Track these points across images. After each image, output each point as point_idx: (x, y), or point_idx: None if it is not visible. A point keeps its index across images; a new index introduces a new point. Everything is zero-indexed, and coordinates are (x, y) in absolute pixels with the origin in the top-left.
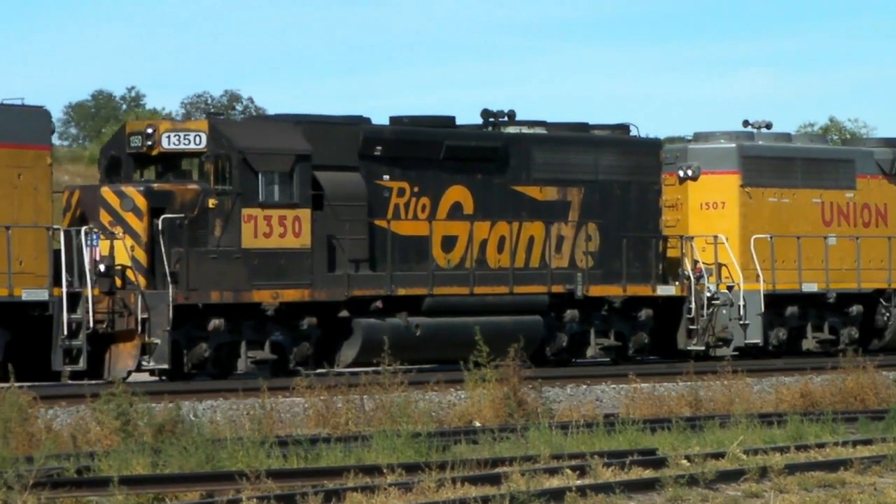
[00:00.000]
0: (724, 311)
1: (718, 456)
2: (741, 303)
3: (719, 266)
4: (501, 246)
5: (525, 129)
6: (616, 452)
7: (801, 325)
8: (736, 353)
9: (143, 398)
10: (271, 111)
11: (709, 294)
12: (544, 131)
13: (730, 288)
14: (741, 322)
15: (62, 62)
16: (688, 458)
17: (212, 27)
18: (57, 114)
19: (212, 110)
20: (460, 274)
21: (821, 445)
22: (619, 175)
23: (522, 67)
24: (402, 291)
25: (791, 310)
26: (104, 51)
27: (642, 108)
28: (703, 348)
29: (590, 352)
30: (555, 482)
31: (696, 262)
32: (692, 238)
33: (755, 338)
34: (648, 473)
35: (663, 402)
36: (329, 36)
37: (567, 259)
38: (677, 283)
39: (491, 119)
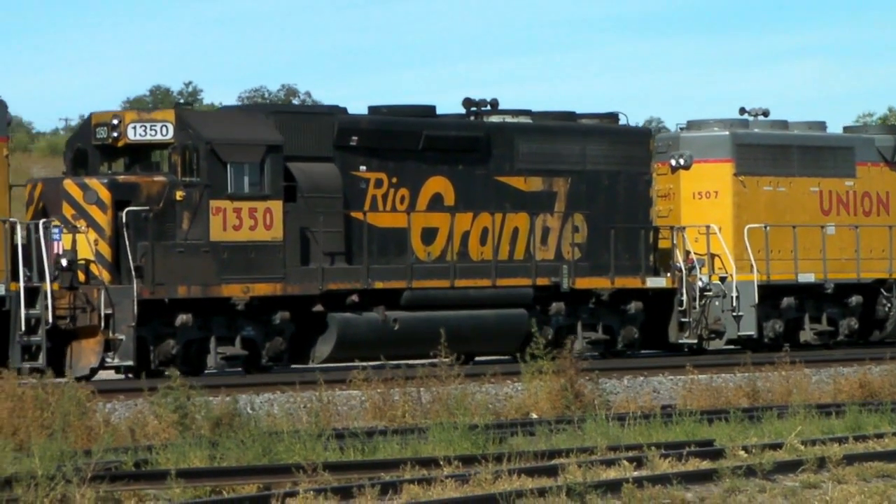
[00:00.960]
0: (716, 303)
1: (776, 447)
2: (734, 294)
3: (712, 257)
4: (484, 238)
5: (509, 119)
6: (673, 444)
7: (799, 317)
8: (729, 345)
9: (200, 392)
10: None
11: (701, 285)
12: (529, 120)
13: (723, 279)
14: (734, 314)
15: (121, 57)
16: (745, 449)
17: (270, 22)
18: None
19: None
20: (441, 267)
21: (879, 436)
22: (607, 165)
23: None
24: (379, 285)
25: (787, 301)
26: (162, 46)
27: (695, 102)
28: (695, 341)
29: (577, 346)
30: (612, 473)
31: (687, 252)
32: (684, 228)
33: (749, 330)
34: (706, 465)
35: (720, 393)
36: (393, 31)
37: (553, 251)
38: (668, 274)
39: (473, 108)
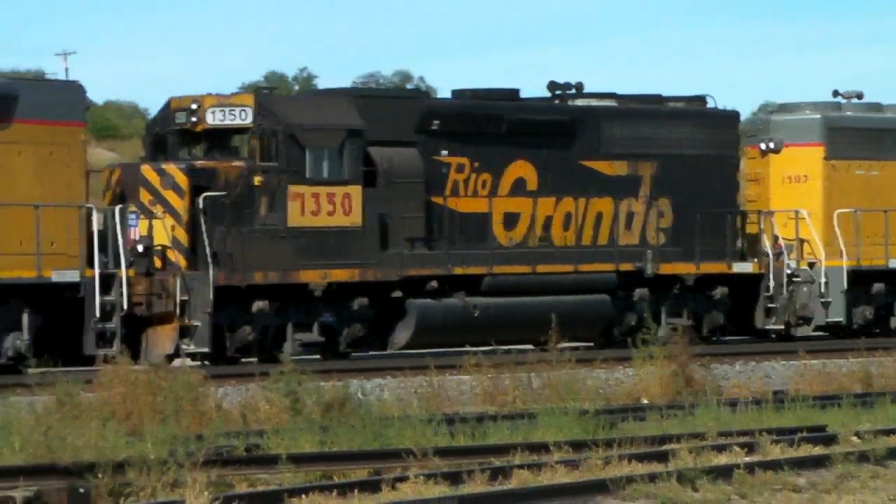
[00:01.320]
0: (804, 289)
1: (890, 432)
2: (823, 280)
3: (801, 242)
4: (567, 223)
5: (594, 102)
6: (785, 429)
7: (890, 303)
8: (818, 332)
9: (311, 377)
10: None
11: (789, 271)
12: (614, 104)
13: (811, 265)
14: (823, 300)
15: (237, 43)
16: (858, 434)
17: (385, 7)
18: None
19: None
20: (522, 252)
21: None
22: (694, 148)
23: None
24: (459, 271)
25: (878, 287)
26: (279, 31)
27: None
28: (782, 327)
29: (661, 332)
30: (723, 459)
31: (776, 238)
32: (772, 213)
33: (838, 316)
34: (818, 450)
35: (833, 378)
36: (503, 13)
37: (637, 236)
38: (755, 259)
39: (558, 91)
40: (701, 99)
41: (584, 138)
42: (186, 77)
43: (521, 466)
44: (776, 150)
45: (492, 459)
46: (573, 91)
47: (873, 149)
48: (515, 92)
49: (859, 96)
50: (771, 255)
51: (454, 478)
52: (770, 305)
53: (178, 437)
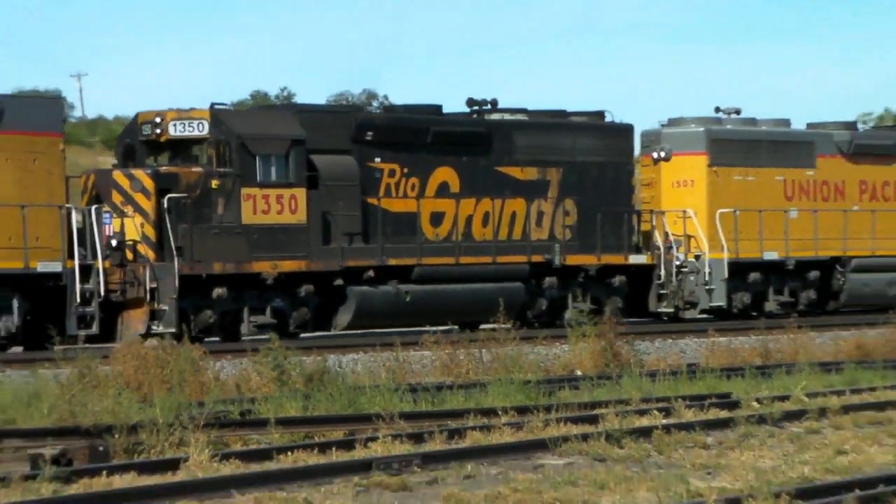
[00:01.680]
0: (691, 278)
1: (784, 399)
2: (707, 270)
3: (688, 237)
4: (486, 221)
5: (507, 116)
6: (696, 396)
7: (764, 290)
8: (702, 315)
9: (295, 352)
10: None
11: (678, 262)
12: (525, 118)
13: (697, 257)
14: (707, 287)
15: (227, 65)
16: (758, 400)
17: (355, 34)
18: None
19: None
20: (447, 246)
21: (872, 389)
22: (594, 156)
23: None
24: (392, 262)
25: (754, 276)
26: (263, 56)
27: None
28: (672, 310)
29: (568, 315)
30: (644, 422)
31: (666, 234)
32: (664, 213)
33: (720, 301)
34: (724, 414)
35: (737, 353)
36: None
37: (547, 232)
38: (649, 252)
39: (475, 107)
40: (600, 114)
41: (499, 147)
42: (186, 94)
43: (473, 428)
44: (666, 159)
45: (449, 422)
46: (489, 107)
47: (749, 157)
48: (439, 107)
49: (738, 112)
50: (662, 249)
51: (417, 438)
52: (661, 292)
53: (183, 403)
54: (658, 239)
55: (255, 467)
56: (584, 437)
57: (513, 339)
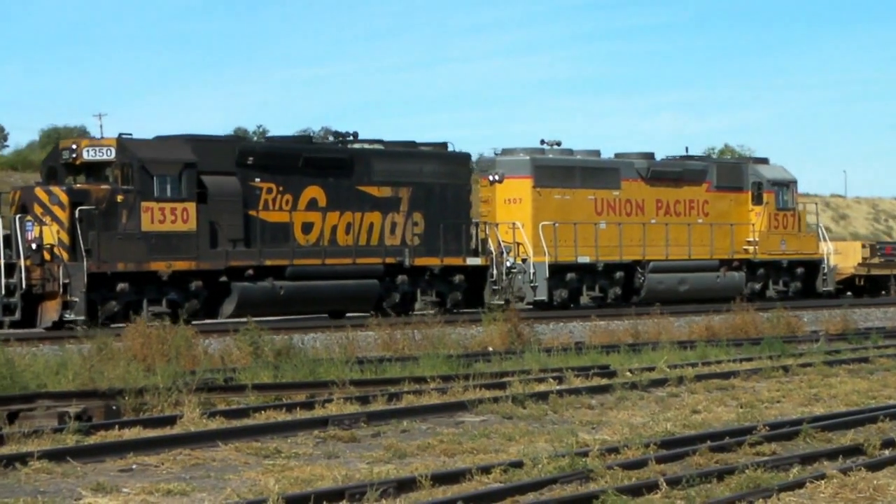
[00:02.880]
0: (519, 277)
1: (651, 369)
2: (532, 271)
3: (517, 244)
4: (348, 230)
5: (367, 146)
6: (583, 367)
7: (579, 286)
8: (528, 306)
9: (267, 332)
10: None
11: (508, 264)
12: (381, 147)
13: (524, 260)
14: (532, 285)
15: (212, 109)
16: (630, 371)
17: (321, 82)
18: None
19: None
20: (316, 250)
21: (718, 362)
22: (438, 178)
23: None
24: (269, 262)
25: (570, 275)
26: (242, 101)
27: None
28: (503, 302)
29: (417, 306)
30: (542, 387)
31: (500, 241)
32: (497, 224)
33: (542, 296)
34: (604, 381)
35: (614, 333)
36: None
37: (399, 239)
38: (484, 256)
39: (340, 138)
40: (443, 144)
41: (359, 170)
42: (178, 130)
43: (408, 392)
44: (500, 181)
45: (389, 388)
46: (351, 138)
47: (567, 180)
48: (310, 138)
49: (558, 144)
50: (494, 253)
51: (364, 400)
52: (494, 287)
53: (179, 372)
54: (492, 245)
55: (235, 423)
56: (495, 400)
57: (438, 323)
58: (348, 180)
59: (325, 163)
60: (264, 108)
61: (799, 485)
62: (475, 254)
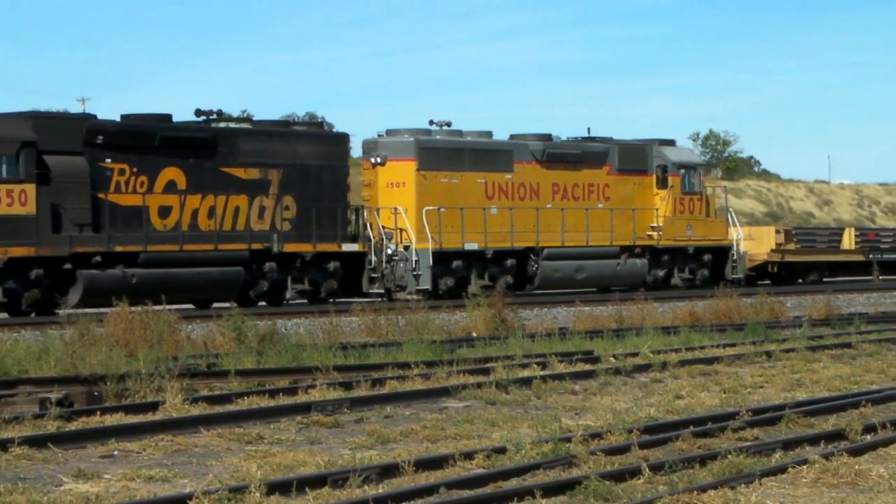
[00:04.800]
0: (401, 265)
1: (635, 355)
2: (415, 258)
3: (399, 230)
4: (211, 214)
5: (232, 124)
6: (566, 353)
7: (467, 275)
8: (411, 296)
9: (251, 318)
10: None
11: (389, 251)
12: (249, 126)
13: (406, 247)
14: (414, 273)
15: (198, 90)
16: (614, 356)
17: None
18: None
19: None
20: (173, 235)
21: (702, 347)
22: (313, 160)
23: None
24: (119, 248)
25: (457, 263)
26: (225, 84)
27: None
28: (382, 291)
29: (288, 295)
30: (525, 373)
31: (382, 227)
32: (378, 209)
33: (426, 284)
34: (588, 367)
35: (598, 319)
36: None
37: (268, 224)
38: (361, 242)
39: (203, 116)
40: (319, 124)
41: (223, 151)
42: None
43: (392, 378)
44: (382, 164)
45: (372, 373)
46: (215, 116)
47: (454, 163)
48: (168, 116)
49: (448, 124)
50: (373, 239)
51: (347, 385)
52: (373, 275)
53: (161, 357)
54: (370, 231)
55: (218, 409)
56: (479, 385)
57: (423, 308)
58: (211, 161)
59: (185, 142)
60: (247, 93)
61: (781, 470)
62: (353, 240)
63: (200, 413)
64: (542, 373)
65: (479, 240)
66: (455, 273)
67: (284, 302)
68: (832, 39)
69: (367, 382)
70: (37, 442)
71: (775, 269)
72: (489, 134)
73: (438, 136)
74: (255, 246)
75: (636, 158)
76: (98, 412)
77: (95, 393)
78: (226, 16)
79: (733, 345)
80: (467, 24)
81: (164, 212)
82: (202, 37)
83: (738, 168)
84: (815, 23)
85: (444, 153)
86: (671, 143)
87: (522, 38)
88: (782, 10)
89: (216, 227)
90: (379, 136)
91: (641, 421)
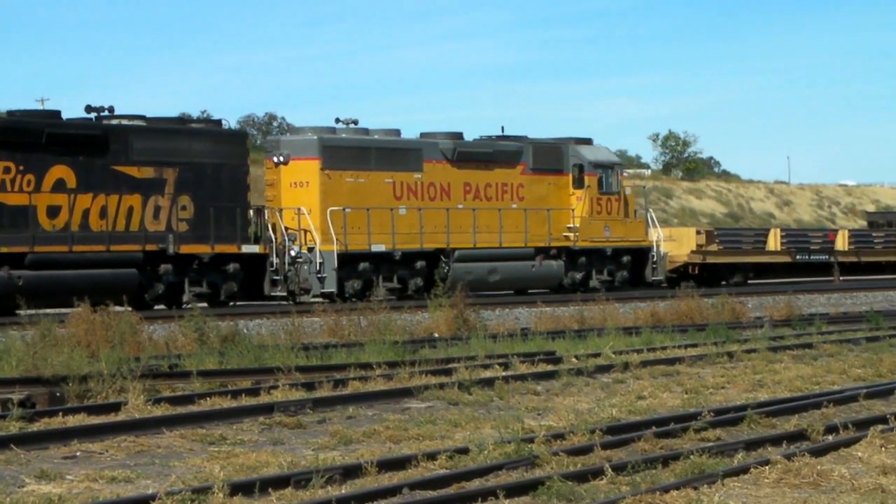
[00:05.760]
0: (305, 267)
1: (597, 355)
2: (319, 260)
3: (304, 231)
4: (103, 214)
5: (125, 121)
6: (528, 353)
7: (374, 277)
8: (317, 299)
9: (213, 318)
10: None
11: (293, 253)
12: (143, 123)
13: (311, 249)
14: (319, 275)
15: (161, 93)
16: (576, 357)
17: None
18: None
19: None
20: (62, 235)
21: (664, 348)
22: (211, 158)
23: None
24: (4, 249)
25: (363, 265)
26: (187, 86)
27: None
28: (285, 294)
29: (185, 298)
30: (488, 373)
31: (286, 228)
32: (281, 210)
33: (331, 287)
34: (550, 367)
35: (560, 319)
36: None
37: (164, 224)
38: (263, 243)
39: (94, 113)
40: (218, 122)
41: (116, 149)
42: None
43: (354, 378)
44: (285, 163)
45: (334, 374)
46: (106, 113)
47: (360, 162)
48: (57, 112)
49: (355, 122)
50: (275, 241)
51: (309, 386)
52: (275, 278)
53: (123, 358)
54: (271, 232)
55: (180, 409)
56: (441, 386)
57: (385, 309)
58: (102, 159)
59: (74, 140)
60: (208, 92)
61: (743, 470)
62: (254, 241)
63: (163, 414)
64: (504, 373)
65: (387, 241)
66: (362, 275)
67: (183, 305)
68: (791, 41)
69: (329, 383)
70: None
71: (696, 271)
72: (397, 132)
73: (344, 135)
74: (150, 247)
75: (551, 158)
76: (60, 413)
77: (57, 394)
78: (187, 16)
79: (695, 345)
80: (423, 25)
81: (53, 211)
82: (164, 37)
83: (699, 169)
84: (774, 25)
85: (349, 152)
86: (588, 141)
87: (478, 38)
88: (741, 12)
89: (108, 228)
90: (281, 133)
91: (604, 421)
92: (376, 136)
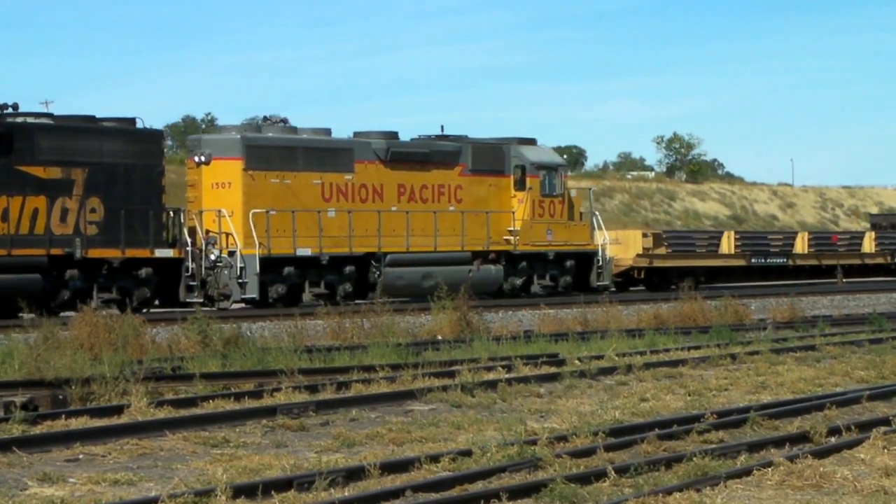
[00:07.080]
0: (225, 272)
1: (600, 358)
2: (240, 265)
3: (226, 235)
4: (5, 216)
5: (30, 119)
6: (531, 356)
7: (301, 282)
8: (240, 305)
9: (216, 321)
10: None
11: (213, 257)
12: (50, 121)
13: (231, 253)
14: (240, 280)
15: (164, 95)
16: (579, 359)
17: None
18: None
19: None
20: None
21: (667, 350)
22: (123, 158)
23: None
24: None
25: (288, 269)
26: (192, 87)
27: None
28: (202, 300)
29: (94, 304)
30: (491, 376)
31: (207, 231)
32: (202, 212)
33: (253, 293)
34: (553, 369)
35: (563, 322)
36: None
37: (71, 227)
38: (178, 247)
39: None
40: (131, 120)
41: (19, 148)
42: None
43: (357, 381)
44: (207, 163)
45: (337, 376)
46: (10, 110)
47: (286, 162)
48: None
49: (284, 121)
50: (191, 244)
51: (312, 389)
52: (191, 283)
53: (126, 361)
54: (186, 235)
55: (183, 412)
56: (444, 388)
57: (387, 311)
58: (5, 159)
59: None
60: (212, 94)
61: (746, 472)
62: (169, 245)
63: (166, 416)
64: (507, 376)
65: (314, 245)
66: (287, 280)
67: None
68: (795, 44)
69: (332, 386)
70: (1, 446)
71: (642, 275)
72: (328, 131)
73: (269, 133)
74: (55, 251)
75: (492, 158)
76: (63, 416)
77: (60, 396)
78: (190, 17)
79: (698, 347)
80: (424, 27)
81: None
82: (167, 38)
83: (702, 171)
84: (778, 27)
85: (274, 151)
86: (531, 142)
87: (479, 40)
88: (746, 15)
89: (10, 231)
90: (203, 132)
91: (607, 423)
92: (304, 136)
